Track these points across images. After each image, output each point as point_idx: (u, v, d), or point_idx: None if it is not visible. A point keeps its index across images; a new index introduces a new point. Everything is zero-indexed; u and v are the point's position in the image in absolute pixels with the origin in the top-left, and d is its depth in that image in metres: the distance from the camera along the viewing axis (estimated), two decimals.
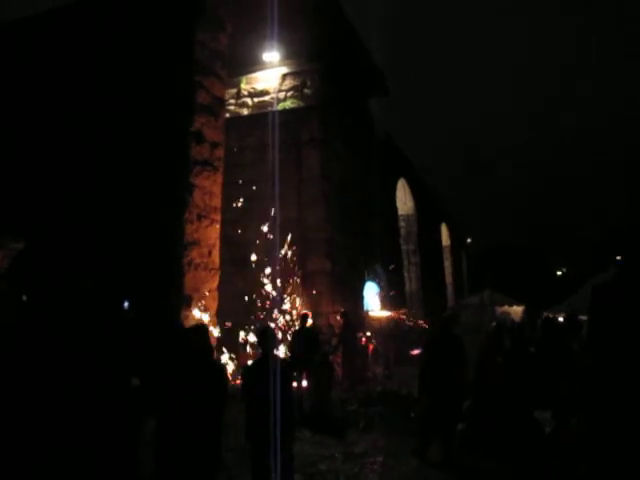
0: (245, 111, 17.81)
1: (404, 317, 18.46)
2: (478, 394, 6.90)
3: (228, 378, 4.79)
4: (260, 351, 4.74)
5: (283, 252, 15.11)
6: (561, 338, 7.99)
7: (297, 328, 9.21)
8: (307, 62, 17.00)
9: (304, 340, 8.46)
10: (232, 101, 18.02)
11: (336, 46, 17.52)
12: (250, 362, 5.85)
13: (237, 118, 17.76)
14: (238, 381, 10.33)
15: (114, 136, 10.68)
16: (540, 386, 7.63)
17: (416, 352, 15.45)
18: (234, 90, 18.05)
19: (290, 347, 8.84)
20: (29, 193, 11.71)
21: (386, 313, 16.71)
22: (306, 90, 16.98)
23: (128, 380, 4.22)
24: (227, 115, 17.82)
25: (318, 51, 16.88)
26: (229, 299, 15.03)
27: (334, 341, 11.44)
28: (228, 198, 16.91)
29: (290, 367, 4.97)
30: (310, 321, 12.52)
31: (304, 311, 10.10)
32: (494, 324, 7.84)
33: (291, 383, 4.87)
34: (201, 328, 4.58)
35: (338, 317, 11.43)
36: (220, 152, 11.49)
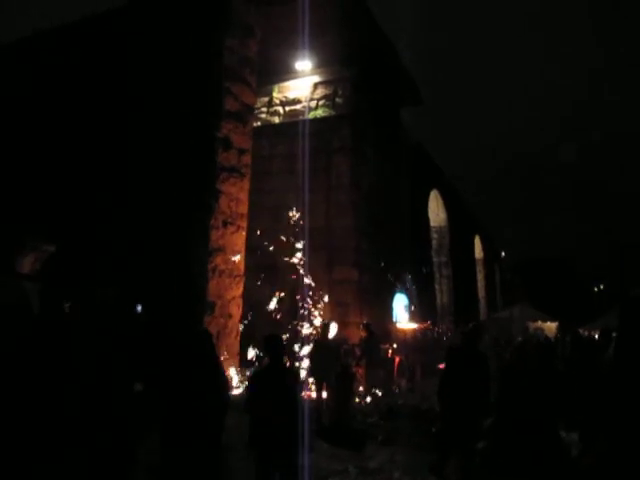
0: (276, 119, 17.83)
1: (430, 329, 18.11)
2: (500, 412, 6.61)
3: (228, 383, 4.69)
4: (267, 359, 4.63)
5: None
6: (591, 355, 7.68)
7: (318, 338, 9.05)
8: (339, 70, 16.95)
9: (325, 350, 8.30)
10: (264, 109, 18.08)
11: (367, 54, 17.44)
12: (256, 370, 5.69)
13: (268, 126, 17.80)
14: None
15: (143, 141, 10.75)
16: (567, 406, 7.33)
17: (443, 366, 15.13)
18: (266, 99, 18.11)
19: (310, 357, 8.69)
20: (61, 196, 11.86)
21: (413, 325, 16.40)
22: (337, 99, 16.92)
23: (131, 385, 4.15)
24: (259, 123, 17.95)
25: (350, 59, 16.82)
26: (254, 308, 15.07)
27: (358, 352, 11.25)
28: (257, 206, 16.99)
29: (296, 376, 4.76)
30: (334, 331, 12.40)
31: (326, 321, 9.90)
32: (520, 339, 7.56)
33: (299, 392, 4.71)
34: (204, 333, 4.59)
35: (360, 328, 11.23)
36: (247, 159, 11.47)
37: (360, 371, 10.81)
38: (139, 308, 8.15)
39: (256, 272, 16.03)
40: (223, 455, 4.41)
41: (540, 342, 6.25)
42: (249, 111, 11.62)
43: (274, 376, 4.39)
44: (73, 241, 11.15)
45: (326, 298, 14.54)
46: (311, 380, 8.96)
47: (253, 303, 15.34)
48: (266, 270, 15.95)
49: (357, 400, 9.81)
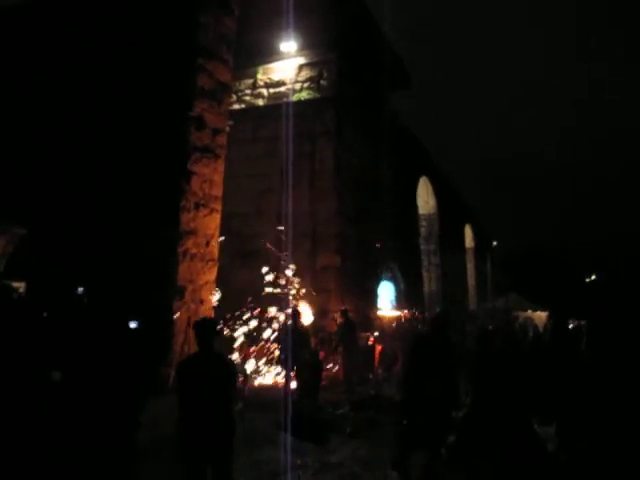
0: (261, 102, 17.43)
1: (414, 317, 17.80)
2: (471, 404, 6.31)
3: (235, 368, 4.39)
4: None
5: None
6: (569, 345, 7.37)
7: (288, 324, 8.71)
8: (324, 52, 16.54)
9: (294, 337, 7.97)
10: (248, 91, 17.69)
11: (354, 36, 17.01)
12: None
13: (252, 109, 17.39)
14: None
15: (111, 119, 10.33)
16: (542, 398, 7.02)
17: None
18: (250, 80, 17.70)
19: (278, 344, 8.36)
20: (29, 177, 11.44)
21: (395, 313, 16.11)
22: (322, 81, 16.52)
23: (46, 373, 3.80)
24: (243, 106, 17.57)
25: (335, 41, 16.41)
26: (235, 293, 14.72)
27: (334, 340, 10.95)
28: (241, 189, 16.62)
29: (229, 363, 4.40)
30: (309, 317, 12.08)
31: (297, 306, 9.56)
32: (490, 328, 7.20)
33: (234, 384, 4.36)
34: (207, 321, 4.36)
35: (337, 315, 10.93)
36: (222, 139, 11.07)
37: (336, 359, 10.51)
38: (80, 290, 7.78)
39: (237, 257, 15.73)
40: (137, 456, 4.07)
41: (509, 333, 5.87)
42: (225, 90, 11.19)
43: (204, 365, 4.04)
44: (41, 224, 10.77)
45: (301, 283, 14.15)
46: (280, 369, 8.68)
47: (235, 289, 15.05)
48: (248, 255, 15.64)
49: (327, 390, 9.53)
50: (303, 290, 13.92)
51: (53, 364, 3.89)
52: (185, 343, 9.95)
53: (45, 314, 4.86)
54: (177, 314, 9.70)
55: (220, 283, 14.95)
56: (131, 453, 3.75)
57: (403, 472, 5.43)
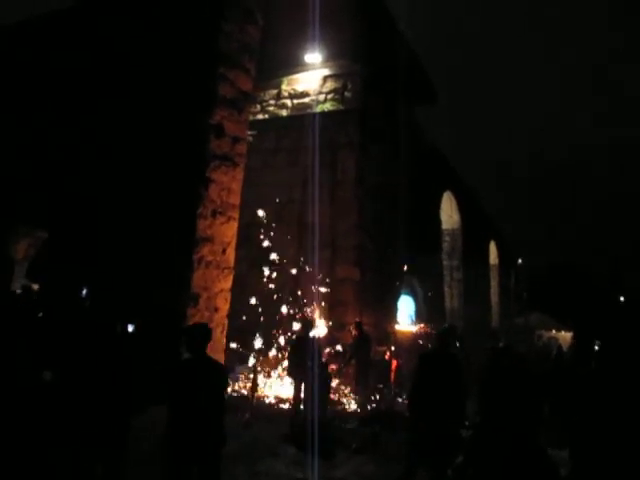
0: (284, 112, 17.45)
1: (429, 332, 17.55)
2: (479, 424, 6.09)
3: (225, 373, 4.31)
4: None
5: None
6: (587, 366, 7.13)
7: (297, 334, 8.60)
8: (349, 64, 16.53)
9: (303, 348, 7.86)
10: (272, 102, 17.74)
11: (380, 49, 16.95)
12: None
13: (276, 119, 17.44)
14: None
15: (130, 125, 10.40)
16: (558, 420, 6.79)
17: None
18: (275, 91, 17.76)
19: (288, 355, 8.24)
20: (50, 182, 11.58)
21: (413, 328, 15.90)
22: (347, 93, 16.48)
23: (38, 373, 3.75)
24: (266, 116, 17.63)
25: (361, 53, 16.38)
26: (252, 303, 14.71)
27: (348, 353, 10.79)
28: (262, 199, 16.65)
29: (221, 370, 4.30)
30: (324, 330, 11.96)
31: (309, 317, 9.44)
32: (501, 345, 7.00)
33: (224, 390, 4.26)
34: (199, 327, 4.33)
35: (352, 327, 10.77)
36: (242, 148, 11.07)
37: (349, 372, 10.36)
38: (84, 292, 7.79)
39: (256, 266, 15.70)
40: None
41: (517, 354, 5.66)
42: (246, 99, 11.19)
43: (195, 370, 3.96)
44: (59, 228, 10.89)
45: (321, 295, 14.06)
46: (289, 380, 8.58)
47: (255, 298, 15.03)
48: (267, 265, 15.60)
49: (338, 403, 9.39)
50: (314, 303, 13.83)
51: (45, 364, 3.86)
52: None
53: (40, 314, 4.84)
54: (190, 321, 9.67)
55: (238, 292, 15.06)
56: (119, 455, 3.67)
57: None
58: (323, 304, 14.08)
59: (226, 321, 10.74)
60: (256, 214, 16.63)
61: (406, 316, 18.32)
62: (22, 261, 13.31)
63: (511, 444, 5.62)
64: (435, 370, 5.32)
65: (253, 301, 14.58)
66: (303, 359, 7.67)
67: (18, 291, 10.25)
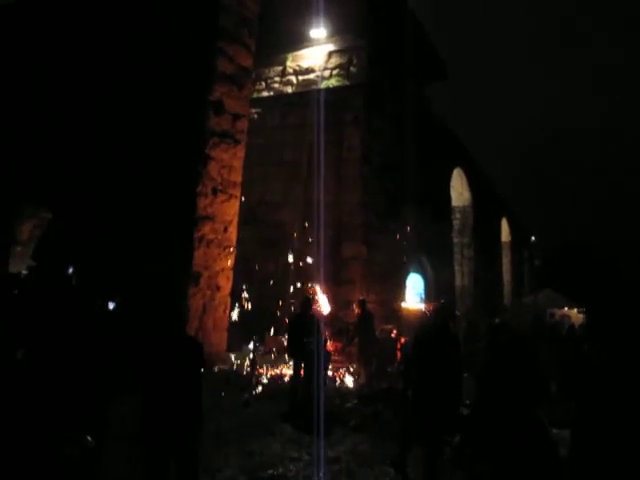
0: (289, 89, 17.19)
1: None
2: (476, 402, 5.93)
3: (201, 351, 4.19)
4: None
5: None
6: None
7: (296, 312, 8.49)
8: (354, 39, 16.20)
9: (302, 326, 7.76)
10: (277, 79, 17.48)
11: (386, 23, 16.64)
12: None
13: (281, 96, 17.20)
14: None
15: (130, 102, 10.26)
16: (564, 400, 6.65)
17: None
18: (280, 68, 17.49)
19: (287, 333, 8.16)
20: (53, 161, 11.51)
21: (420, 305, 15.75)
22: (352, 68, 16.18)
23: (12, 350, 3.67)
24: (271, 93, 17.40)
25: (366, 27, 16.07)
26: (259, 281, 14.65)
27: (351, 331, 10.68)
28: (268, 178, 16.51)
29: (197, 348, 4.18)
30: (327, 308, 11.86)
31: (309, 295, 9.33)
32: (496, 321, 6.82)
33: (200, 368, 4.14)
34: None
35: (354, 305, 10.64)
36: (243, 124, 10.93)
37: (352, 351, 10.27)
38: (70, 270, 7.73)
39: (263, 245, 15.62)
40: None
41: (513, 330, 5.48)
42: (246, 74, 11.03)
43: (172, 348, 3.87)
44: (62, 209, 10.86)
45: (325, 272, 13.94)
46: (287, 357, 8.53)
47: (260, 277, 14.98)
48: (273, 243, 15.53)
49: (339, 381, 9.32)
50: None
51: (19, 342, 3.78)
52: (200, 329, 9.89)
53: (16, 292, 4.76)
54: (191, 300, 9.64)
55: (245, 272, 15.01)
56: (95, 440, 3.58)
57: (401, 470, 5.19)
58: (326, 282, 13.96)
59: (229, 299, 10.70)
60: (263, 193, 16.54)
61: (415, 294, 18.17)
62: (27, 242, 13.33)
63: (509, 423, 5.52)
64: (430, 347, 5.19)
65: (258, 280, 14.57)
66: (302, 337, 7.58)
67: (24, 272, 10.25)
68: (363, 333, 10.06)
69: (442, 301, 7.25)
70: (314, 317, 8.32)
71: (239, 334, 12.78)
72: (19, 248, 13.07)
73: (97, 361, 3.71)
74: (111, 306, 4.87)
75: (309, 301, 8.32)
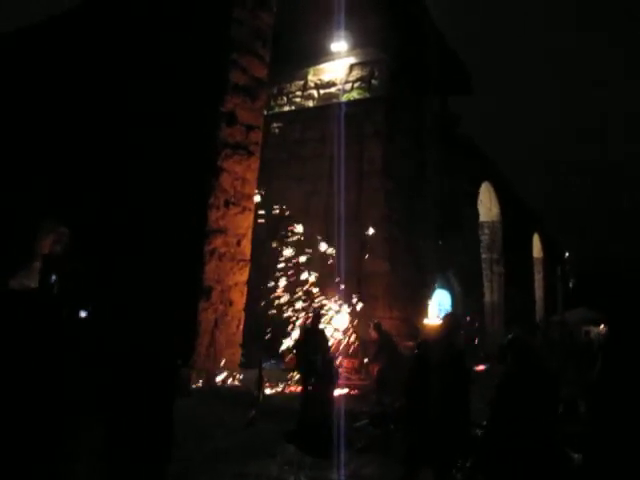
0: (311, 103, 17.09)
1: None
2: (492, 421, 5.49)
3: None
4: None
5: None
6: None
7: (307, 326, 8.16)
8: (376, 52, 16.07)
9: (312, 341, 7.44)
10: (298, 93, 17.41)
11: (409, 36, 16.40)
12: None
13: (302, 110, 17.09)
14: None
15: (142, 114, 10.19)
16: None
17: (481, 368, 13.99)
18: (301, 82, 17.42)
19: (295, 347, 7.82)
20: (68, 179, 11.50)
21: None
22: (373, 81, 16.01)
23: None
24: (293, 108, 17.32)
25: (388, 40, 15.88)
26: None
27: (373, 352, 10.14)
28: (288, 192, 16.34)
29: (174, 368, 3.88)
30: (345, 324, 11.52)
31: (317, 309, 8.99)
32: (509, 337, 6.37)
33: (168, 386, 3.85)
34: None
35: (370, 329, 10.04)
36: (257, 136, 10.75)
37: (369, 369, 9.84)
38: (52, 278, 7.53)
39: (284, 262, 15.38)
40: None
41: (524, 345, 5.06)
42: (260, 86, 10.86)
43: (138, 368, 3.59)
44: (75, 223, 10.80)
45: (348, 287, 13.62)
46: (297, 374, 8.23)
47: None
48: (294, 258, 15.29)
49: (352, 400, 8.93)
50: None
51: None
52: (212, 345, 9.66)
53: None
54: (202, 315, 9.42)
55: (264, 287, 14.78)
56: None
57: None
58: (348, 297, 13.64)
59: (242, 315, 10.44)
60: (284, 208, 16.36)
61: (440, 311, 17.66)
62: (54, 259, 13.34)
63: (524, 448, 5.04)
64: (433, 362, 4.83)
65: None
66: (310, 353, 7.27)
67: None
68: (381, 359, 9.51)
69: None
70: (324, 332, 8.01)
71: (258, 350, 12.56)
72: (39, 263, 13.08)
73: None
74: (83, 314, 4.64)
75: (319, 316, 8.00)
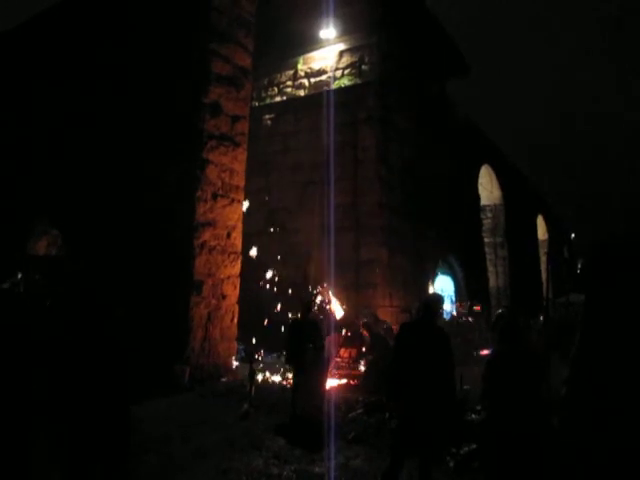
0: (302, 92, 16.85)
1: (462, 311, 16.71)
2: (491, 405, 5.25)
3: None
4: None
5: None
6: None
7: (297, 317, 7.95)
8: (365, 37, 15.77)
9: (300, 332, 7.24)
10: (289, 83, 17.20)
11: (399, 18, 16.11)
12: None
13: (294, 100, 16.85)
14: None
15: (124, 108, 10.02)
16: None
17: (485, 352, 13.79)
18: (291, 72, 17.21)
19: (285, 339, 7.63)
20: (56, 178, 11.37)
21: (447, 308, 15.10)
22: (364, 66, 15.74)
23: None
24: (284, 98, 17.09)
25: (378, 24, 15.60)
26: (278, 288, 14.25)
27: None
28: (283, 183, 16.16)
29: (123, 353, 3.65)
30: (340, 313, 11.35)
31: (307, 299, 8.77)
32: (499, 311, 6.13)
33: (119, 376, 3.62)
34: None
35: (361, 328, 9.75)
36: (243, 126, 10.55)
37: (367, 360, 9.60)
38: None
39: (281, 252, 15.22)
40: None
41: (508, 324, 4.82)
42: (245, 75, 10.64)
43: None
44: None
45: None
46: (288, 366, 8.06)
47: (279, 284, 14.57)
48: (292, 248, 15.14)
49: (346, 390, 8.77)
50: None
51: None
52: (206, 340, 9.51)
53: None
54: (194, 310, 9.26)
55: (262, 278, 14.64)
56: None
57: None
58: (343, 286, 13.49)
59: (236, 308, 10.29)
60: (279, 199, 16.18)
61: (446, 297, 17.45)
62: (42, 259, 13.26)
63: (524, 433, 4.74)
64: (417, 343, 4.63)
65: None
66: (300, 343, 7.08)
67: None
68: (374, 356, 9.23)
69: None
70: (315, 321, 7.82)
71: (258, 344, 12.42)
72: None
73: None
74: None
75: (309, 305, 7.80)
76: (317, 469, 5.15)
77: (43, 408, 3.26)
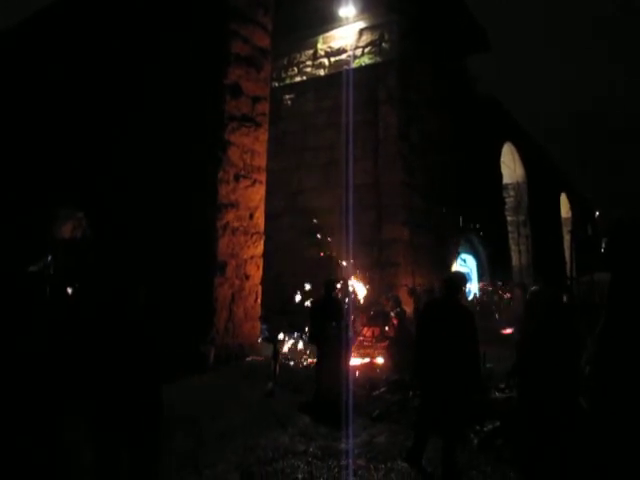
0: (322, 72, 16.72)
1: (491, 291, 16.65)
2: (521, 382, 5.20)
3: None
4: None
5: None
6: None
7: (320, 297, 7.98)
8: (385, 14, 15.53)
9: (323, 309, 7.29)
10: (309, 62, 17.07)
11: None
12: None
13: (314, 80, 16.75)
14: None
15: (145, 92, 10.07)
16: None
17: (508, 331, 13.75)
18: (311, 51, 17.06)
19: (309, 318, 7.68)
20: (81, 164, 11.49)
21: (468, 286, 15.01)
22: (384, 44, 15.54)
23: None
24: (304, 78, 16.99)
25: (398, 1, 15.34)
26: (301, 269, 14.28)
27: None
28: (305, 164, 16.16)
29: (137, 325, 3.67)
30: (363, 293, 11.37)
31: (330, 278, 8.76)
32: (533, 289, 6.06)
33: (155, 355, 3.66)
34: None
35: (392, 317, 9.68)
36: (264, 107, 10.54)
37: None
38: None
39: (304, 233, 15.27)
40: None
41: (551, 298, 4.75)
42: (264, 56, 10.60)
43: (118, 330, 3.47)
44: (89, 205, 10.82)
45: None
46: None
47: (303, 266, 14.61)
48: (314, 229, 15.17)
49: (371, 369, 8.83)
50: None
51: None
52: (230, 320, 9.63)
53: None
54: (218, 290, 9.37)
55: (288, 260, 14.69)
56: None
57: (415, 463, 4.68)
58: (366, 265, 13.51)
59: (259, 288, 10.38)
60: (300, 180, 16.19)
61: (469, 276, 17.39)
62: (69, 242, 13.48)
63: (551, 413, 4.67)
64: (441, 321, 4.65)
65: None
66: (323, 321, 7.14)
67: None
68: (401, 340, 9.22)
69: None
70: (338, 300, 7.86)
71: (281, 324, 12.52)
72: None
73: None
74: (70, 291, 4.58)
75: (332, 283, 7.82)
76: (342, 446, 5.22)
77: (75, 389, 3.35)
